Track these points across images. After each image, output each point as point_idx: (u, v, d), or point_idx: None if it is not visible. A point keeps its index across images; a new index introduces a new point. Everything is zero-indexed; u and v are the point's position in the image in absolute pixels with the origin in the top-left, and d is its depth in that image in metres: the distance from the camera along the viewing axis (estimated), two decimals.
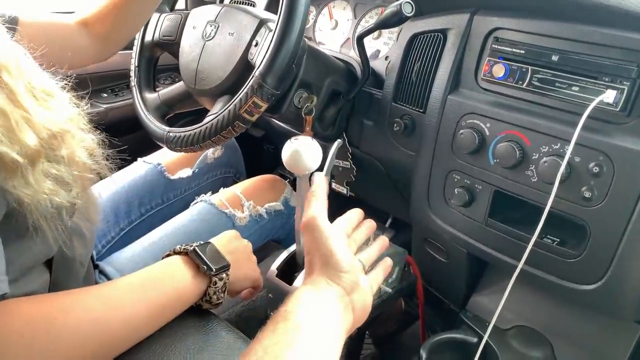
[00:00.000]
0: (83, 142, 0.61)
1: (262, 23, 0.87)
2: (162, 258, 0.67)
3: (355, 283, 0.57)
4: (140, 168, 1.11)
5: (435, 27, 0.87)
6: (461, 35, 0.82)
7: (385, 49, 1.05)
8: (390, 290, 0.85)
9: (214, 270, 0.64)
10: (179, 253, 0.67)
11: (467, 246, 0.86)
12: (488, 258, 0.83)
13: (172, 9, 1.11)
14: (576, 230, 0.72)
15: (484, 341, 0.78)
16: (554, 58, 0.72)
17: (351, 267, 0.57)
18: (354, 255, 0.61)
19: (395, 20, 0.83)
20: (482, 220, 0.81)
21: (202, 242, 0.68)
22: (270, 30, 0.81)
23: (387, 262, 0.68)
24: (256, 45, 0.86)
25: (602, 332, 0.81)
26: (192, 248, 0.66)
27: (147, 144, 0.99)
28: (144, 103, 1.01)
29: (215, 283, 0.65)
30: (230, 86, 0.90)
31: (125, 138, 1.27)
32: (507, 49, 0.76)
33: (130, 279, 0.61)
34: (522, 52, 0.75)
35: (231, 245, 0.73)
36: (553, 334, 0.84)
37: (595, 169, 0.67)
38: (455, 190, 0.83)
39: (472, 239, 0.84)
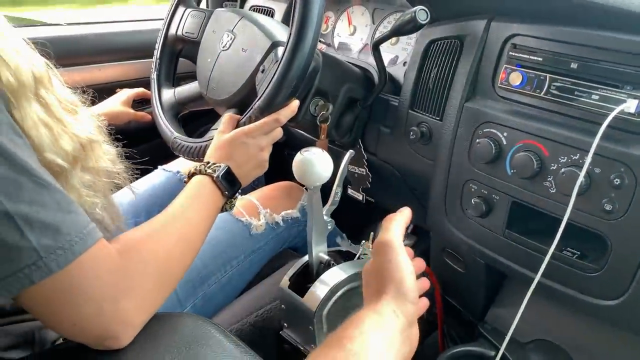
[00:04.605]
0: (106, 154, 0.64)
1: (273, 47, 0.88)
2: (188, 176, 0.76)
3: (416, 316, 0.56)
4: (160, 176, 1.12)
5: (451, 33, 0.85)
6: (478, 42, 0.80)
7: (404, 55, 1.04)
8: None
9: (232, 193, 0.76)
10: (202, 173, 0.75)
11: (484, 257, 0.84)
12: (506, 270, 0.81)
13: (198, 4, 1.13)
14: (597, 243, 0.69)
15: (500, 354, 0.76)
16: (573, 66, 0.69)
17: (416, 299, 0.56)
18: None
19: (409, 27, 0.82)
20: (500, 232, 0.79)
21: (218, 165, 0.75)
22: (277, 61, 0.82)
23: (424, 301, 0.66)
24: (263, 71, 0.87)
25: (625, 349, 0.78)
26: (216, 175, 0.74)
27: (167, 152, 1.01)
28: (160, 99, 1.03)
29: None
30: (237, 102, 0.91)
31: (146, 145, 1.30)
32: (524, 56, 0.74)
33: (175, 207, 0.69)
34: (540, 59, 0.72)
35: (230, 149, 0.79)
36: (574, 349, 0.81)
37: (617, 181, 0.65)
38: (472, 200, 0.81)
39: (489, 250, 0.82)
